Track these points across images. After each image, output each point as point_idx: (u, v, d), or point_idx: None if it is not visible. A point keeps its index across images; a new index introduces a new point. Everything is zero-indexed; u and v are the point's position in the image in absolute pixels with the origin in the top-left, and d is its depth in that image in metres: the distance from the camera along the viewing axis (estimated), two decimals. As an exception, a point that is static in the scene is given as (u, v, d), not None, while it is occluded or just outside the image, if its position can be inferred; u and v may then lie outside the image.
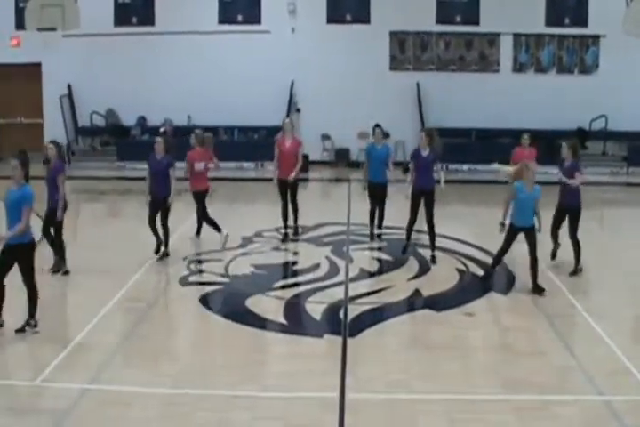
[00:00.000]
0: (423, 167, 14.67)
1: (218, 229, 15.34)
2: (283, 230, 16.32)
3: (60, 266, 13.26)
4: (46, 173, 13.04)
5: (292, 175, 15.81)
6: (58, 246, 13.25)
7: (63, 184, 12.99)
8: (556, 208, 13.95)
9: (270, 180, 16.46)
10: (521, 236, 12.72)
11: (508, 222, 12.93)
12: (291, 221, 16.38)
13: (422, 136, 14.81)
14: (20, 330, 10.42)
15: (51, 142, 13.40)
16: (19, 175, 10.37)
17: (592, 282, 14.44)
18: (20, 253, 10.28)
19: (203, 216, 15.51)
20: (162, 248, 14.52)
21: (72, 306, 12.46)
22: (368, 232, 16.27)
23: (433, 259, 14.56)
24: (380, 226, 16.34)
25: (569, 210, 13.74)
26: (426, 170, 14.67)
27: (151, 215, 14.47)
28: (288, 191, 16.06)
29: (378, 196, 16.10)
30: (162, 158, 14.31)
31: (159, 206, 14.40)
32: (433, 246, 14.70)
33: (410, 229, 14.90)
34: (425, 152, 14.68)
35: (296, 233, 16.40)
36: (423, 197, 14.56)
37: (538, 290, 12.60)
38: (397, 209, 16.36)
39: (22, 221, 10.16)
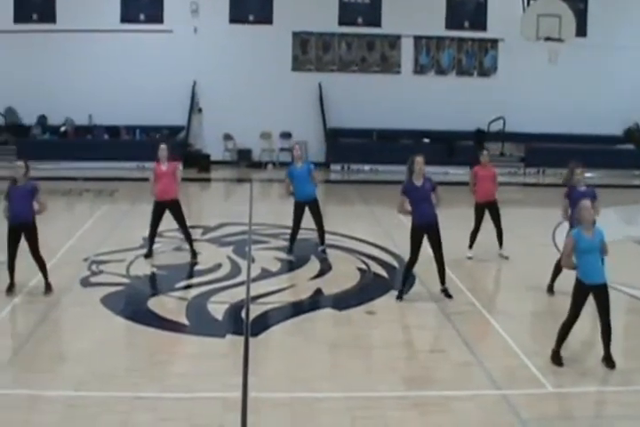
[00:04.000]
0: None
1: None
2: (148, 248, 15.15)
3: None
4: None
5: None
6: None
7: None
8: None
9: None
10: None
11: None
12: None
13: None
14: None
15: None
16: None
17: (490, 280, 14.81)
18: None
19: None
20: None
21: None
22: (288, 251, 15.25)
23: None
24: (322, 242, 15.40)
25: None
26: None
27: (13, 249, 12.41)
28: (163, 215, 14.90)
29: (312, 213, 15.08)
30: (25, 184, 12.45)
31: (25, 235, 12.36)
32: None
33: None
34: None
35: (194, 256, 15.00)
36: None
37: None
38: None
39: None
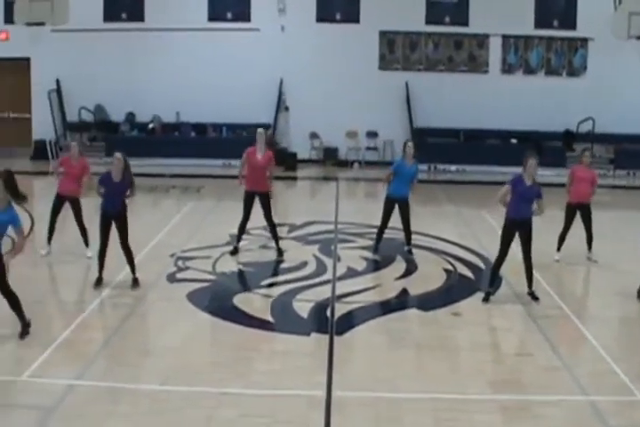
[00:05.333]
0: None
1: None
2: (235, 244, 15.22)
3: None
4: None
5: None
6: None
7: None
8: None
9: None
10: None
11: None
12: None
13: None
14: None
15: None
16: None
17: (579, 284, 14.56)
18: None
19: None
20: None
21: (60, 301, 12.43)
22: (373, 250, 15.16)
23: None
24: (409, 242, 15.23)
25: None
26: None
27: (105, 236, 12.66)
28: (253, 205, 14.89)
29: (401, 212, 14.89)
30: (121, 181, 12.60)
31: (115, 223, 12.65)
32: None
33: None
34: None
35: (280, 254, 15.06)
36: None
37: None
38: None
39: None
